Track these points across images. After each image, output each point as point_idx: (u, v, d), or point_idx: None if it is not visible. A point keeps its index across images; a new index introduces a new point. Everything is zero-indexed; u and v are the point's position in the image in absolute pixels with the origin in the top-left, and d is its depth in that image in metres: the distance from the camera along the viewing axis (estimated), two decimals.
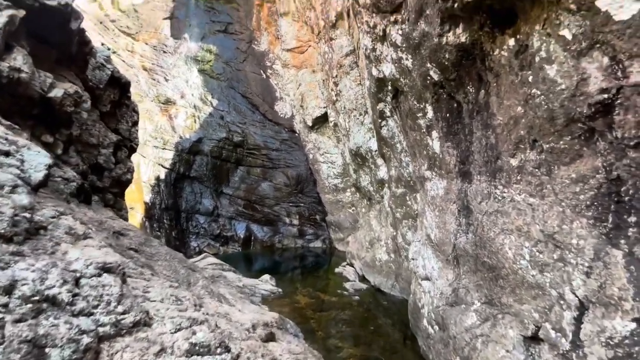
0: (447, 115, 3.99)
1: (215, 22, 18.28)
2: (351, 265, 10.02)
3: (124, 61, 15.79)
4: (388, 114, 5.73)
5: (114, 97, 5.78)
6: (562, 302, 2.46)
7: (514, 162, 3.08)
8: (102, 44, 14.84)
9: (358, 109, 9.73)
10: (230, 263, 12.47)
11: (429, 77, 3.87)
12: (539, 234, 2.72)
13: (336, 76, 10.80)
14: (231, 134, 15.66)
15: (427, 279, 4.61)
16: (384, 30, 4.30)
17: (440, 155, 4.28)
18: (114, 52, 15.64)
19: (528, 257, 2.76)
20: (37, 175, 2.30)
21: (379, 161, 8.72)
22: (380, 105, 5.72)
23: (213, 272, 7.50)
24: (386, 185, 8.54)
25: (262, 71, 16.77)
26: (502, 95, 3.08)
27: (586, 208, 2.44)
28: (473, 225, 3.59)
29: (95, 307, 1.72)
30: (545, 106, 2.52)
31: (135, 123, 7.13)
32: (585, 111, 2.25)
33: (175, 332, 2.00)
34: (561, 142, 2.53)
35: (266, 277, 8.80)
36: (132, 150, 7.06)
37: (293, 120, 15.52)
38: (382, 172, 8.57)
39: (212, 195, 15.08)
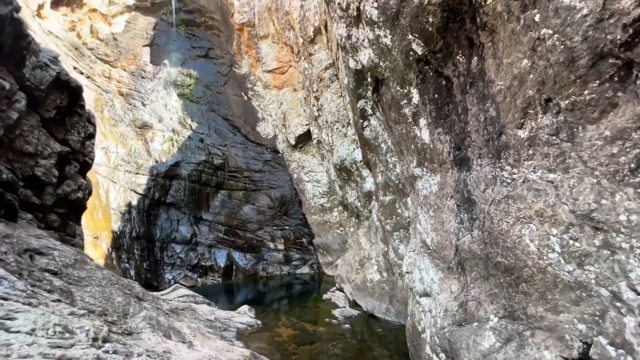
0: (436, 96, 3.45)
1: (195, 47, 18.27)
2: (341, 289, 9.06)
3: (99, 86, 15.27)
4: (370, 111, 5.20)
5: (61, 103, 5.09)
6: (618, 304, 1.75)
7: (522, 133, 2.49)
8: (74, 68, 14.38)
9: (340, 120, 9.29)
10: (209, 295, 11.26)
11: (411, 53, 3.36)
12: (570, 215, 2.07)
13: (317, 90, 10.47)
14: (211, 156, 14.99)
15: (426, 294, 3.83)
16: (358, 8, 3.86)
17: (431, 145, 3.69)
18: (88, 77, 15.17)
19: (559, 248, 2.08)
20: None
21: (365, 172, 8.14)
22: (361, 103, 5.21)
23: (179, 304, 6.47)
24: (373, 197, 7.89)
25: (243, 93, 16.51)
26: (500, 54, 2.55)
27: (631, 173, 1.82)
28: (478, 219, 2.92)
29: None
30: (561, 47, 1.97)
31: (91, 136, 6.40)
32: (619, 37, 1.69)
33: None
34: (586, 93, 1.96)
35: (244, 308, 7.75)
36: (86, 165, 6.26)
37: (276, 141, 15.03)
38: (369, 184, 7.95)
39: (190, 222, 14.06)
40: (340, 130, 9.27)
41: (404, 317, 6.13)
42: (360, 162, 8.09)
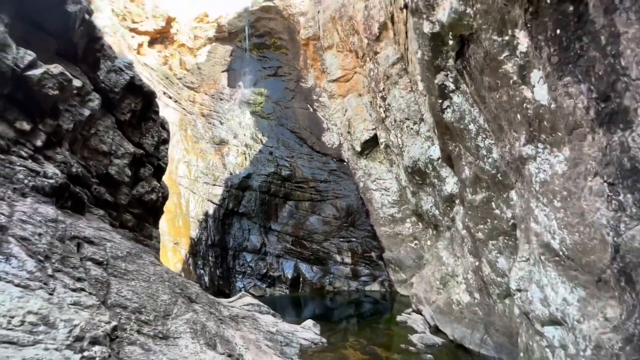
0: (558, 32, 2.42)
1: (266, 68, 19.41)
2: (418, 312, 7.76)
3: (184, 109, 17.09)
4: (452, 86, 4.23)
5: (135, 107, 5.37)
6: None
7: None
8: (164, 93, 16.34)
9: (411, 117, 8.31)
10: (276, 306, 10.98)
11: None
12: None
13: (383, 90, 9.71)
14: (279, 168, 15.24)
15: (554, 322, 2.63)
16: None
17: (552, 106, 2.61)
18: (176, 102, 17.11)
19: None
20: None
21: (444, 172, 6.95)
22: (440, 78, 4.28)
23: (242, 312, 6.13)
24: (456, 201, 6.62)
25: (309, 105, 16.65)
26: None
27: None
28: None
29: None
30: None
31: (165, 141, 6.72)
32: None
33: None
34: None
35: (309, 323, 7.10)
36: (160, 169, 6.56)
37: (341, 149, 14.56)
38: (449, 185, 6.73)
39: (260, 232, 14.26)
40: (412, 128, 8.26)
41: (507, 353, 4.71)
42: (438, 159, 6.94)
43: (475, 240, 5.21)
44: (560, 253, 2.56)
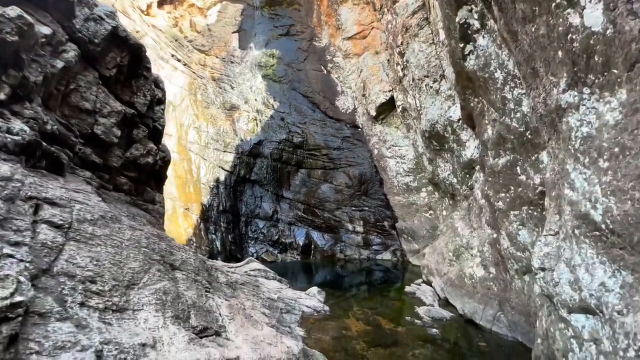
0: None
1: (278, 27, 18.26)
2: (428, 283, 7.45)
3: (194, 72, 16.57)
4: (476, 24, 3.47)
5: (122, 61, 4.94)
6: None
7: None
8: (172, 56, 15.79)
9: (431, 74, 7.43)
10: (286, 272, 11.04)
11: None
12: None
13: (401, 44, 8.72)
14: (291, 134, 14.74)
15: (585, 310, 2.15)
16: None
17: (607, 33, 1.94)
18: (185, 65, 16.56)
19: None
20: None
21: (464, 135, 6.23)
22: (462, 14, 3.51)
23: (243, 278, 6.02)
24: (476, 167, 5.96)
25: (322, 67, 15.66)
26: None
27: None
28: None
29: None
30: None
31: (160, 101, 6.33)
32: None
33: None
34: None
35: (314, 290, 6.96)
36: (157, 132, 6.24)
37: (355, 115, 13.76)
38: (470, 149, 6.05)
39: (272, 199, 14.15)
40: (431, 87, 7.42)
41: (522, 332, 4.31)
42: (458, 121, 6.21)
43: (495, 210, 4.65)
44: (603, 226, 2.00)
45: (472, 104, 4.54)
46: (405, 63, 8.73)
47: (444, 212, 9.06)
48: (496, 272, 4.98)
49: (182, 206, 11.59)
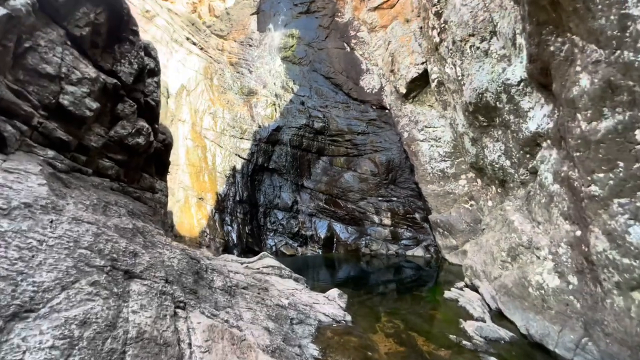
0: None
1: (297, 4, 17.09)
2: (473, 288, 6.17)
3: (210, 56, 15.85)
4: None
5: (97, 19, 4.06)
6: None
7: None
8: (187, 39, 15.09)
9: (478, 32, 6.00)
10: (307, 267, 10.11)
11: None
12: None
13: (439, 1, 7.29)
14: (312, 119, 13.66)
15: None
16: None
17: None
18: (202, 49, 15.87)
19: None
20: None
21: (526, 102, 4.83)
22: None
23: (248, 280, 5.08)
24: (544, 143, 4.58)
25: (345, 44, 14.32)
26: None
27: None
28: None
29: None
30: None
31: (152, 73, 5.47)
32: None
33: None
34: None
35: (334, 292, 5.93)
36: (149, 108, 5.40)
37: (382, 94, 12.39)
38: (536, 120, 4.65)
39: (292, 189, 13.24)
40: (478, 48, 6.00)
41: None
42: (518, 84, 4.82)
43: (582, 198, 3.32)
44: None
45: (552, 48, 3.20)
46: (442, 25, 7.30)
47: (489, 203, 7.64)
48: (579, 282, 3.67)
49: (195, 196, 10.96)
